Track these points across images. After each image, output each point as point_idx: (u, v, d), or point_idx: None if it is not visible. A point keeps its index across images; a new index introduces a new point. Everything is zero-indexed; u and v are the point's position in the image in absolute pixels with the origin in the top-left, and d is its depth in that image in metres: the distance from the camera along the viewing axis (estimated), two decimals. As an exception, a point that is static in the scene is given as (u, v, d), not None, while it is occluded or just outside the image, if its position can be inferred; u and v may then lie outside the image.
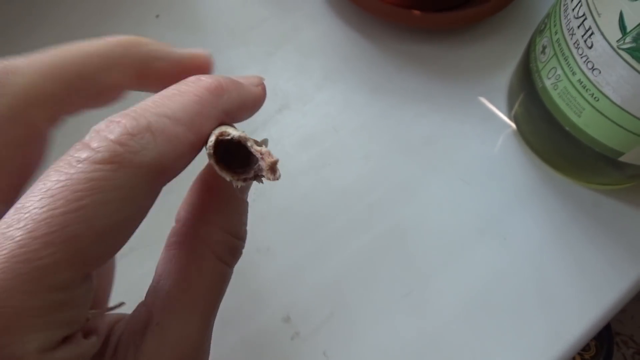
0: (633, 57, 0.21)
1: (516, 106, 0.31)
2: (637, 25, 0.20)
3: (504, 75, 0.33)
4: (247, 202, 0.16)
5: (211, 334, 0.16)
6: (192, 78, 0.14)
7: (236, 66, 0.33)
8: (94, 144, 0.11)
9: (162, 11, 0.35)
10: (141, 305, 0.15)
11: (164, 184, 0.13)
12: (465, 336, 0.27)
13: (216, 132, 0.14)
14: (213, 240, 0.15)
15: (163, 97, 0.13)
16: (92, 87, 0.14)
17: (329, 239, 0.29)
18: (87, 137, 0.12)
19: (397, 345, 0.27)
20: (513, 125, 0.32)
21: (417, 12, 0.32)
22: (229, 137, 0.13)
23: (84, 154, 0.11)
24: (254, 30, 0.34)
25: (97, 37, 0.15)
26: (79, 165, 0.11)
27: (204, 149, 0.14)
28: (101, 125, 0.12)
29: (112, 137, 0.12)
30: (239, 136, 0.13)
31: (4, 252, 0.10)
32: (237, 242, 0.15)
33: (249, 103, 0.15)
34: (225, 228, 0.15)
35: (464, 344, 0.27)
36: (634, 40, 0.21)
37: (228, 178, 0.13)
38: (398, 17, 0.32)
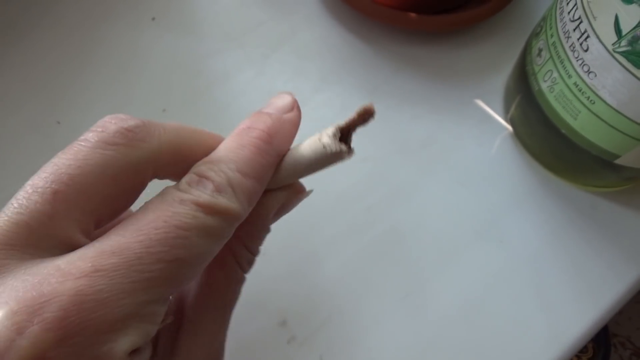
0: (629, 60, 0.21)
1: (512, 109, 0.31)
2: (633, 29, 0.20)
3: (501, 78, 0.33)
4: (269, 229, 0.19)
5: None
6: (244, 128, 0.16)
7: (232, 68, 0.33)
8: (195, 193, 0.14)
9: (158, 14, 0.35)
10: (171, 305, 0.17)
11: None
12: (463, 339, 0.27)
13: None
14: (237, 252, 0.17)
15: (228, 151, 0.16)
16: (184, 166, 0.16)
17: (326, 243, 0.29)
18: (182, 185, 0.15)
19: (394, 349, 0.26)
20: (510, 127, 0.32)
21: (413, 15, 0.32)
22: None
23: (189, 197, 0.14)
24: (250, 32, 0.34)
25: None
26: (186, 207, 0.14)
27: None
28: (192, 178, 0.15)
29: (207, 192, 0.14)
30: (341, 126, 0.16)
31: (123, 260, 0.12)
32: (252, 257, 0.18)
33: (293, 134, 0.17)
34: (247, 244, 0.17)
35: (461, 346, 0.27)
36: (630, 43, 0.21)
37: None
38: (395, 20, 0.32)
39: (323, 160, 0.16)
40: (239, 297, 0.27)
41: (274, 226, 0.29)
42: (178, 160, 0.16)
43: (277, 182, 0.18)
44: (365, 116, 0.16)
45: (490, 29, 0.35)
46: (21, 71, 0.32)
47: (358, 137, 0.31)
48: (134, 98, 0.32)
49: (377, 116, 0.33)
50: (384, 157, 0.31)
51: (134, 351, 0.13)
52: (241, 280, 0.18)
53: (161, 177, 0.16)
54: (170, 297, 0.16)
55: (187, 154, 0.16)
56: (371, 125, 0.32)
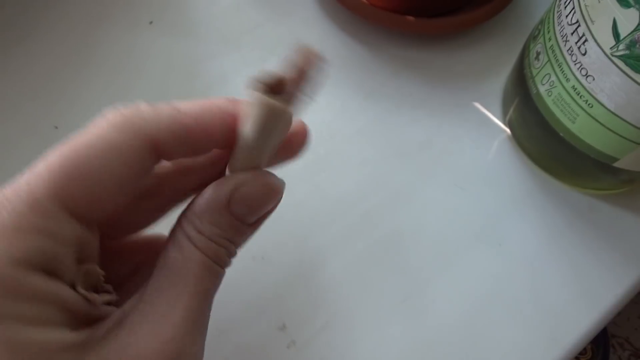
0: (627, 64, 0.21)
1: (511, 111, 0.31)
2: (630, 33, 0.20)
3: (498, 81, 0.33)
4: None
5: (202, 340, 0.16)
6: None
7: (230, 72, 0.33)
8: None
9: (156, 17, 0.35)
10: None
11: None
12: (462, 343, 0.27)
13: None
14: (193, 231, 0.16)
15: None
16: (194, 147, 0.16)
17: (325, 247, 0.29)
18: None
19: (393, 353, 0.26)
20: (508, 130, 0.32)
21: (411, 18, 0.32)
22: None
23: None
24: (247, 35, 0.34)
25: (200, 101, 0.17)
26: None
27: None
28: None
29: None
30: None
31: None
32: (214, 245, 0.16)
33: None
34: (211, 222, 0.16)
35: (461, 350, 0.27)
36: (628, 47, 0.21)
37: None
38: (392, 23, 0.32)
39: (264, 124, 0.15)
40: (234, 304, 0.27)
41: (273, 231, 0.29)
42: (180, 137, 0.15)
43: (238, 166, 0.17)
44: (307, 70, 0.14)
45: (487, 31, 0.35)
46: (18, 75, 0.32)
47: (357, 141, 0.31)
48: (132, 102, 0.32)
49: (375, 119, 0.33)
50: (382, 160, 0.31)
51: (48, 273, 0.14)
52: (202, 266, 0.16)
53: (168, 158, 0.16)
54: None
55: (189, 130, 0.15)
56: (370, 128, 0.32)
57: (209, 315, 0.16)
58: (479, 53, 0.34)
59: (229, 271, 0.27)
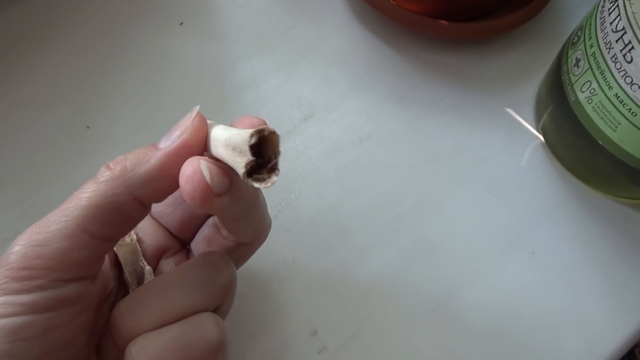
0: (676, 73, 0.21)
1: (544, 117, 0.31)
2: (683, 41, 0.20)
3: (531, 86, 0.33)
4: None
5: None
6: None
7: (260, 74, 0.33)
8: None
9: (186, 19, 0.35)
10: None
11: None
12: (495, 353, 0.27)
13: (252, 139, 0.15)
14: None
15: None
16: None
17: (356, 251, 0.28)
18: None
19: (425, 361, 0.26)
20: (541, 137, 0.32)
21: (445, 23, 0.32)
22: (265, 133, 0.15)
23: None
24: (278, 38, 0.34)
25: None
26: None
27: None
28: None
29: None
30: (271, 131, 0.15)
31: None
32: None
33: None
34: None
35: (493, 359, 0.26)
36: (679, 56, 0.20)
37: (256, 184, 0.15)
38: (425, 27, 0.32)
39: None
40: (265, 308, 0.27)
41: (303, 236, 0.29)
42: (149, 184, 0.17)
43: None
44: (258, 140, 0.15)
45: (520, 36, 0.34)
46: (49, 74, 0.32)
47: (388, 146, 0.31)
48: (162, 103, 0.32)
49: (406, 124, 0.32)
50: (413, 166, 0.31)
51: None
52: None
53: (147, 203, 0.17)
54: None
55: (157, 176, 0.17)
56: (401, 133, 0.32)
57: None
58: (511, 58, 0.34)
59: (260, 275, 0.27)
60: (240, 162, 0.15)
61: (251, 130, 0.15)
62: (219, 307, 0.19)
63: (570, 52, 0.27)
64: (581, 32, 0.27)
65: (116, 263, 0.21)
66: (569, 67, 0.27)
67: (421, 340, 0.27)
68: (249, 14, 0.35)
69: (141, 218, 0.18)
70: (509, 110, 0.32)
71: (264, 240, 0.22)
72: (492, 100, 0.33)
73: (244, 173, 0.15)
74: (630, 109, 0.23)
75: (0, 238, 0.28)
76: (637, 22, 0.22)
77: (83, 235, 0.16)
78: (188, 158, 0.16)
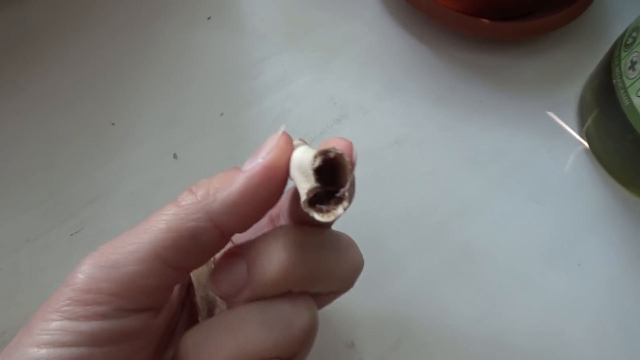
0: None
1: (589, 122, 0.30)
2: None
3: (573, 90, 0.32)
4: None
5: None
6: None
7: (291, 72, 0.32)
8: None
9: (214, 13, 0.33)
10: None
11: None
12: (540, 368, 0.25)
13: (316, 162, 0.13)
14: None
15: None
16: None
17: (394, 259, 0.27)
18: None
19: (468, 377, 0.25)
20: (585, 142, 0.30)
21: (485, 21, 0.30)
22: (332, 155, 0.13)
23: None
24: (309, 35, 0.33)
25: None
26: None
27: None
28: None
29: None
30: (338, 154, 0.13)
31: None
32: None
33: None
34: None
35: (538, 376, 0.25)
36: None
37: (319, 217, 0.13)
38: (466, 26, 0.31)
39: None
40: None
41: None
42: (232, 210, 0.15)
43: None
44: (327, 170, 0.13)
45: (562, 37, 0.33)
46: (73, 69, 0.31)
47: (424, 149, 0.30)
48: (189, 101, 0.31)
49: (444, 126, 0.31)
50: (452, 170, 0.29)
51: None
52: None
53: (227, 232, 0.16)
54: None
55: (240, 201, 0.15)
56: (438, 135, 0.31)
57: None
58: (553, 60, 0.32)
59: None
60: (303, 189, 0.13)
61: (315, 151, 0.13)
62: (294, 356, 0.16)
63: (623, 54, 0.26)
64: (637, 33, 0.25)
65: (185, 285, 0.19)
66: (622, 70, 0.26)
67: (462, 354, 0.25)
68: (278, 9, 0.34)
69: (219, 249, 0.16)
70: (551, 114, 0.31)
71: (352, 285, 0.19)
72: (533, 103, 0.31)
73: (304, 201, 0.13)
74: (695, 115, 0.22)
75: (22, 239, 0.26)
76: None
77: (156, 261, 0.15)
78: (273, 181, 0.15)
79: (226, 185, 0.15)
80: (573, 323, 0.26)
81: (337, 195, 0.13)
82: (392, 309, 0.26)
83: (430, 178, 0.29)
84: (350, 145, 0.15)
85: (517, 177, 0.29)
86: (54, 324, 0.14)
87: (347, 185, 0.13)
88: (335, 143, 0.15)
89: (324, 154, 0.13)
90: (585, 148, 0.30)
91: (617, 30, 0.33)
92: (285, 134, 0.16)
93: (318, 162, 0.13)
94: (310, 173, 0.13)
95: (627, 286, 0.27)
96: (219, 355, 0.15)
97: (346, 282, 0.18)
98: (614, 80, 0.27)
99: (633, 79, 0.25)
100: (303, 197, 0.13)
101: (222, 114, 0.30)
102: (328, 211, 0.13)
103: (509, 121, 0.31)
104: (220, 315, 0.16)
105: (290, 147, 0.15)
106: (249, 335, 0.15)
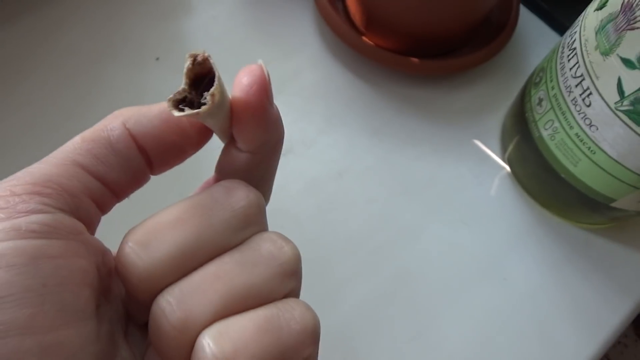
0: (630, 118, 0.23)
1: (510, 149, 0.33)
2: (635, 91, 0.22)
3: (496, 118, 0.35)
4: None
5: None
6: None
7: (238, 109, 0.33)
8: None
9: (162, 54, 0.35)
10: None
11: None
12: (472, 377, 0.28)
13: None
14: None
15: None
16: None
17: (336, 284, 0.29)
18: None
19: (408, 390, 0.27)
20: (507, 167, 0.33)
21: (415, 60, 0.33)
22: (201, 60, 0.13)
23: None
24: (254, 73, 0.35)
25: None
26: None
27: None
28: None
29: None
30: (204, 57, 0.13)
31: None
32: None
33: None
34: None
35: (471, 385, 0.28)
36: (632, 104, 0.22)
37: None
38: (397, 64, 0.33)
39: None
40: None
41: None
42: (148, 122, 0.15)
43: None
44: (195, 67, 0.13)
45: (485, 71, 0.36)
46: (26, 114, 0.32)
47: (365, 179, 0.32)
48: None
49: (382, 157, 0.34)
50: (389, 198, 0.32)
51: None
52: None
53: (146, 147, 0.15)
54: None
55: (156, 117, 0.15)
56: (377, 166, 0.33)
57: None
58: (477, 92, 0.36)
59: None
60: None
61: (186, 55, 0.13)
62: (290, 292, 0.15)
63: (533, 91, 0.29)
64: (543, 74, 0.29)
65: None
66: (532, 105, 0.29)
67: (403, 369, 0.28)
68: (224, 49, 0.35)
69: (140, 162, 0.15)
70: (477, 142, 0.34)
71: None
72: (461, 131, 0.34)
73: (168, 99, 0.13)
74: (590, 148, 0.26)
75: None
76: (594, 71, 0.24)
77: (74, 166, 0.14)
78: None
79: (147, 106, 0.15)
80: (500, 333, 0.29)
81: (202, 100, 0.13)
82: (335, 330, 0.28)
83: (370, 206, 0.32)
84: (258, 70, 0.14)
85: (447, 201, 0.32)
86: None
87: (212, 89, 0.13)
88: (245, 68, 0.14)
89: (192, 56, 0.13)
90: (508, 172, 0.33)
91: (534, 63, 0.37)
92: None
93: (188, 63, 0.13)
94: (184, 77, 0.13)
95: (547, 296, 0.30)
96: (206, 303, 0.13)
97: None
98: (526, 114, 0.30)
99: (541, 113, 0.28)
100: (169, 96, 0.13)
101: (172, 152, 0.31)
102: (186, 111, 0.13)
103: (439, 150, 0.34)
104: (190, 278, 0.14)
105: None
106: (231, 273, 0.14)
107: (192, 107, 0.13)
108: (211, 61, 0.13)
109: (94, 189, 0.14)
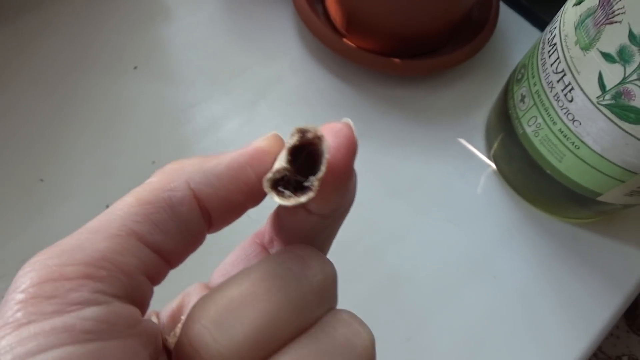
0: (612, 112, 0.23)
1: (495, 147, 0.33)
2: (616, 85, 0.22)
3: (480, 116, 0.35)
4: None
5: None
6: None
7: (220, 116, 0.33)
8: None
9: (140, 62, 0.34)
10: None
11: None
12: (466, 378, 0.28)
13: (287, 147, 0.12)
14: None
15: None
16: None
17: (328, 290, 0.29)
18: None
19: (402, 393, 0.27)
20: (493, 164, 0.33)
21: (397, 61, 0.33)
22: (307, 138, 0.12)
23: None
24: (236, 78, 0.34)
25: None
26: None
27: None
28: None
29: None
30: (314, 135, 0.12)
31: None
32: None
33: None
34: None
35: (465, 385, 0.27)
36: (613, 97, 0.22)
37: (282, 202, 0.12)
38: (379, 65, 0.33)
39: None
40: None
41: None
42: (215, 183, 0.13)
43: None
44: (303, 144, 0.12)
45: (467, 69, 0.36)
46: (1, 125, 0.31)
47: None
48: (121, 151, 0.31)
49: (368, 159, 0.33)
50: (377, 201, 0.32)
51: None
52: None
53: (211, 210, 0.13)
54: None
55: (225, 175, 0.13)
56: (363, 168, 0.33)
57: None
58: (460, 90, 0.36)
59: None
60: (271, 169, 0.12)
61: (293, 130, 0.12)
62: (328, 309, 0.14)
63: (515, 88, 0.29)
64: (524, 70, 0.29)
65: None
66: (515, 102, 0.29)
67: (397, 372, 0.27)
68: (204, 55, 0.35)
69: (201, 233, 0.13)
70: (462, 140, 0.34)
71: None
72: (445, 131, 0.34)
73: (266, 179, 0.12)
74: (574, 143, 0.25)
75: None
76: (575, 66, 0.24)
77: (130, 237, 0.12)
78: (262, 164, 0.13)
79: (210, 159, 0.13)
80: (492, 331, 0.29)
81: (305, 184, 0.12)
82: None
83: (358, 209, 0.31)
84: (347, 130, 0.13)
85: (434, 201, 0.32)
86: (4, 342, 0.10)
87: (319, 174, 0.12)
88: (330, 126, 0.13)
89: (301, 131, 0.12)
90: (493, 170, 0.33)
91: (515, 60, 0.37)
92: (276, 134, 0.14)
93: (294, 139, 0.12)
94: (284, 153, 0.12)
95: (537, 292, 0.30)
96: (241, 333, 0.12)
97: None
98: (510, 111, 0.30)
99: (524, 110, 0.28)
100: (267, 175, 0.12)
101: (153, 162, 0.31)
102: (289, 197, 0.12)
103: (425, 149, 0.33)
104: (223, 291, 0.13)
105: (282, 142, 0.14)
106: (271, 300, 0.12)
107: (287, 186, 0.12)
108: (324, 144, 0.12)
109: (150, 263, 0.12)
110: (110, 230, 0.12)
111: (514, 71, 0.31)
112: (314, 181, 0.12)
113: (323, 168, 0.12)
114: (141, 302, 0.12)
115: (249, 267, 0.13)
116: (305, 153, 0.12)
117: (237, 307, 0.12)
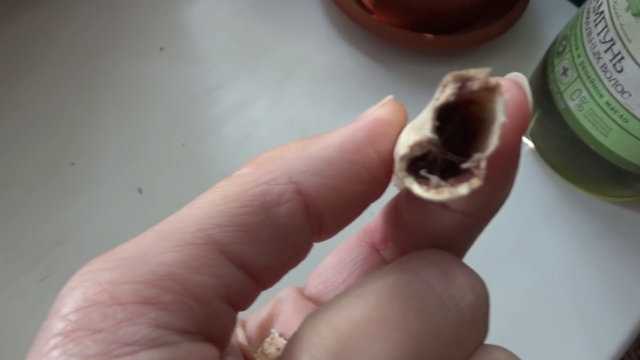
0: (668, 81, 0.21)
1: (532, 124, 0.32)
2: (674, 52, 0.21)
3: (515, 93, 0.34)
4: None
5: None
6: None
7: (247, 96, 0.32)
8: None
9: (166, 44, 0.34)
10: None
11: None
12: None
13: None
14: None
15: None
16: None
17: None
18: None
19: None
20: (530, 142, 0.32)
21: (430, 36, 0.32)
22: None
23: None
24: (262, 58, 0.34)
25: None
26: None
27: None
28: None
29: None
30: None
31: None
32: None
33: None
34: None
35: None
36: (670, 65, 0.21)
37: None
38: (410, 41, 0.32)
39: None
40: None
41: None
42: (323, 171, 0.10)
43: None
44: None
45: (501, 45, 0.35)
46: (29, 110, 0.31)
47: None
48: (150, 133, 0.31)
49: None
50: (410, 180, 0.31)
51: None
52: None
53: (315, 214, 0.10)
54: None
55: (337, 159, 0.10)
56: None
57: None
58: (494, 66, 0.34)
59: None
60: (406, 141, 0.08)
61: (447, 78, 0.08)
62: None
63: (556, 61, 0.28)
64: (566, 42, 0.27)
65: None
66: (556, 76, 0.28)
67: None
68: (229, 35, 0.34)
69: (307, 246, 0.10)
70: (497, 118, 0.33)
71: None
72: (480, 109, 0.33)
73: (402, 157, 0.08)
74: (622, 116, 0.24)
75: (-11, 291, 0.26)
76: (625, 34, 0.23)
77: (208, 247, 0.09)
78: (385, 140, 0.10)
79: (316, 140, 0.10)
80: (534, 312, 0.28)
81: (464, 166, 0.08)
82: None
83: (389, 192, 0.30)
84: (517, 92, 0.09)
85: (471, 181, 0.31)
86: None
87: (489, 150, 0.08)
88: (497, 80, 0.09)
89: (460, 78, 0.08)
90: (531, 148, 0.32)
91: (551, 34, 0.35)
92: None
93: (448, 93, 0.08)
94: (429, 116, 0.08)
95: (579, 273, 0.29)
96: None
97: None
98: (550, 86, 0.29)
99: (566, 84, 0.27)
100: (402, 150, 0.08)
101: (183, 144, 0.30)
102: (439, 186, 0.08)
103: (459, 128, 0.32)
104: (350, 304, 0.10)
105: (404, 111, 0.11)
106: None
107: (431, 169, 0.08)
108: (500, 99, 0.07)
109: (233, 284, 0.09)
110: (182, 236, 0.09)
111: (554, 44, 0.29)
112: (481, 160, 0.07)
113: (495, 140, 0.07)
114: (221, 338, 0.09)
115: (370, 277, 0.10)
116: (456, 120, 0.08)
117: (363, 335, 0.09)
